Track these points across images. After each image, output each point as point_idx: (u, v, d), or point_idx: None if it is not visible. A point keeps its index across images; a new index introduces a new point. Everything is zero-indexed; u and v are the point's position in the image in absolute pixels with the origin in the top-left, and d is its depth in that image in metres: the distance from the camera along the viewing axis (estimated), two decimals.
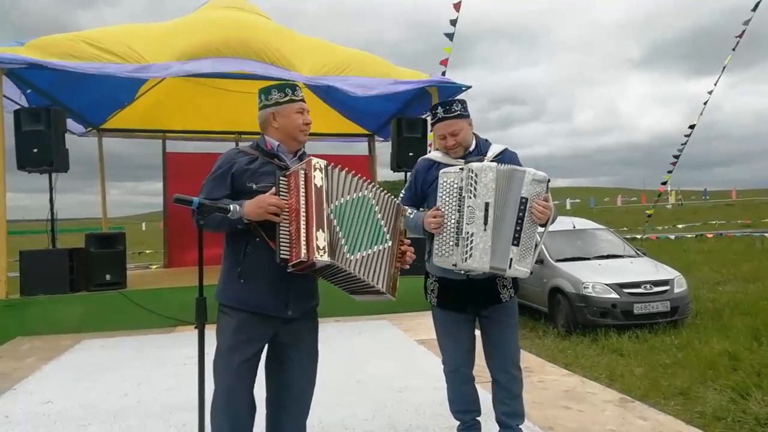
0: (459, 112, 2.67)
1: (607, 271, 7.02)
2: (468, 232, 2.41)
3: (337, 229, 2.15)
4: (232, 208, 2.11)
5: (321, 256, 2.05)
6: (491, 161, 2.60)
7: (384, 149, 11.06)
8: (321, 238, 2.06)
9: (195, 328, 2.11)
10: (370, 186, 2.32)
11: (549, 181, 2.49)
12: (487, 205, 2.41)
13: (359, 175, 2.29)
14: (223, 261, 2.38)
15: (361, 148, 11.28)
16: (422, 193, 2.77)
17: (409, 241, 2.43)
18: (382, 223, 2.31)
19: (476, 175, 2.43)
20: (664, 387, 4.64)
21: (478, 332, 2.76)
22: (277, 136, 2.40)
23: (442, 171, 2.55)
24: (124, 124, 9.76)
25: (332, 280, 2.30)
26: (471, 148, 2.72)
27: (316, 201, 2.11)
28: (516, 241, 2.43)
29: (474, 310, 2.70)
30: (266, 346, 2.40)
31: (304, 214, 2.09)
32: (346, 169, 2.26)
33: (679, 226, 18.96)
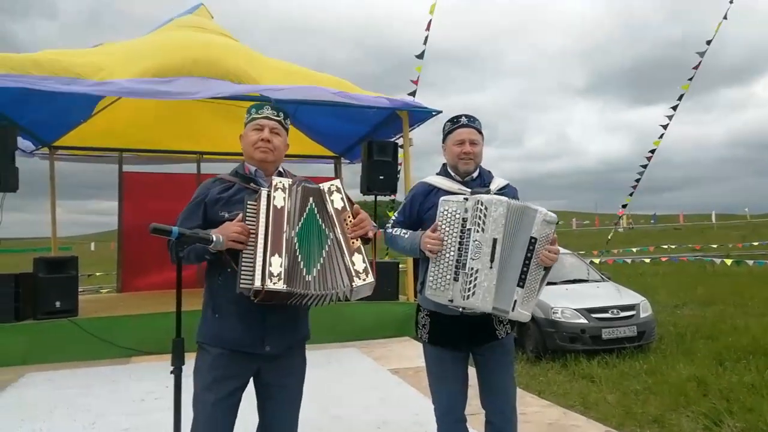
0: (481, 129, 2.61)
1: (574, 296, 7.06)
2: (472, 268, 2.24)
3: (298, 251, 2.00)
4: (215, 238, 1.94)
5: (274, 283, 1.90)
6: (496, 193, 2.47)
7: (347, 171, 11.00)
8: (276, 264, 1.92)
9: (171, 373, 1.90)
10: (311, 190, 2.12)
11: (558, 222, 2.38)
12: (495, 241, 2.24)
13: (306, 182, 2.13)
14: (203, 295, 2.20)
15: (327, 170, 11.16)
16: (418, 219, 2.61)
17: (357, 207, 2.14)
18: (319, 218, 2.09)
19: (486, 208, 2.25)
20: (638, 415, 4.62)
21: (471, 369, 2.63)
22: (246, 160, 2.29)
23: (443, 198, 2.38)
24: (78, 142, 9.29)
25: (308, 305, 2.12)
26: (474, 175, 2.61)
27: (273, 223, 1.97)
28: (522, 282, 2.29)
29: (468, 347, 2.56)
30: (254, 386, 2.22)
31: (262, 238, 1.96)
32: (308, 184, 2.12)
33: (634, 249, 19.54)
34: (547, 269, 2.36)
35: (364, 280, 2.02)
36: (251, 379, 2.21)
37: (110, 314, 6.66)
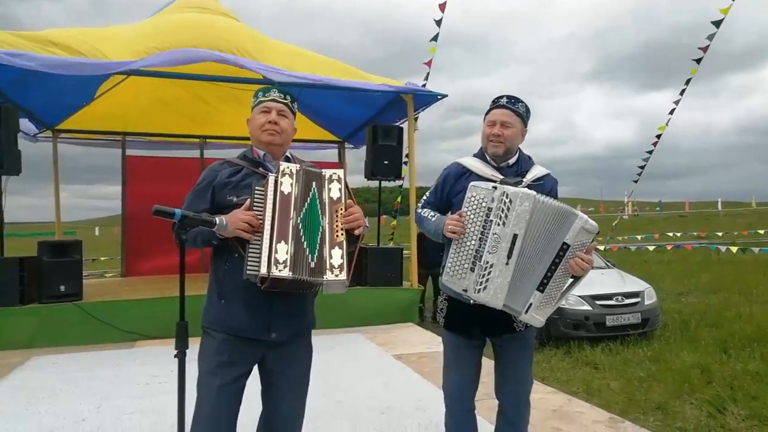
0: (521, 112, 2.47)
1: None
2: (487, 262, 2.16)
3: (303, 238, 1.97)
4: (218, 221, 1.91)
5: (280, 271, 1.86)
6: (530, 184, 2.38)
7: (351, 157, 10.93)
8: (282, 251, 1.89)
9: (175, 356, 1.89)
10: (313, 175, 2.09)
11: (598, 233, 2.24)
12: (515, 237, 2.14)
13: (312, 167, 2.09)
14: (208, 280, 2.18)
15: (330, 155, 11.11)
16: (447, 201, 2.53)
17: (351, 203, 2.08)
18: (318, 204, 2.04)
19: (510, 201, 2.14)
20: (641, 402, 4.61)
21: (485, 359, 2.58)
22: (254, 144, 2.25)
23: (472, 184, 2.29)
24: (81, 125, 9.27)
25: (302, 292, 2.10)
26: (511, 162, 2.49)
27: (280, 210, 1.94)
28: (542, 287, 2.18)
29: (483, 336, 2.51)
30: (259, 373, 2.21)
31: (269, 225, 1.93)
32: (311, 168, 2.09)
33: (639, 237, 19.47)
34: (575, 278, 2.24)
35: (336, 276, 1.96)
36: (255, 366, 2.20)
37: (114, 298, 6.69)
